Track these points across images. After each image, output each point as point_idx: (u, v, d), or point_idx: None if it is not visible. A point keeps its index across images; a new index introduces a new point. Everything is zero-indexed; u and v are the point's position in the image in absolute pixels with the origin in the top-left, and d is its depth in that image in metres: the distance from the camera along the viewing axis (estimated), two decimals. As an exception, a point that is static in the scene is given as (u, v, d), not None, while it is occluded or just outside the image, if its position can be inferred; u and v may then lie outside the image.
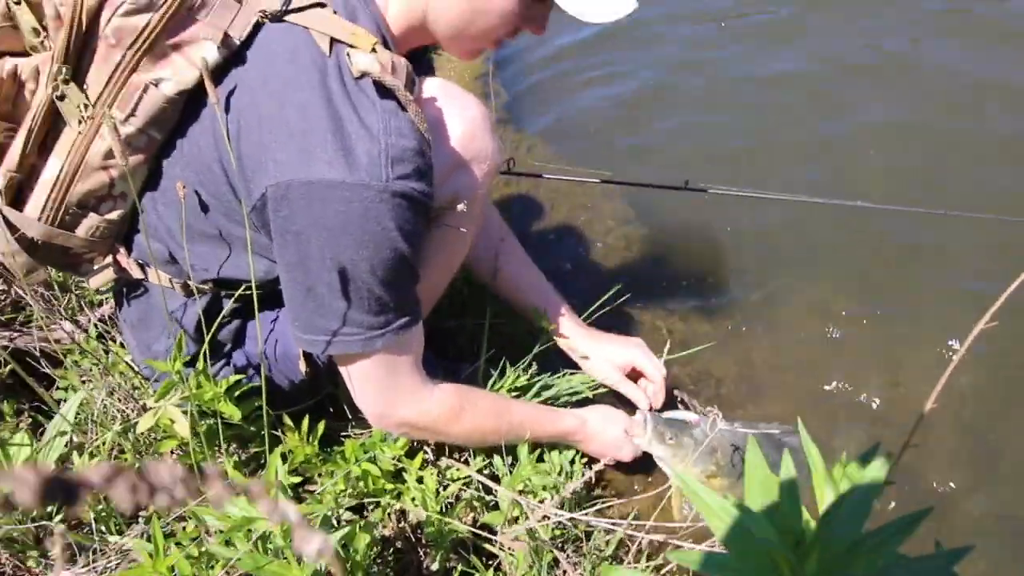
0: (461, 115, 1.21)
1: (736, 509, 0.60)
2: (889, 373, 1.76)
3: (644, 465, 1.54)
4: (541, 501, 1.30)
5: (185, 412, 1.15)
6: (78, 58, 1.03)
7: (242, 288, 1.19)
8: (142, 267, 1.23)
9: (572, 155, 2.47)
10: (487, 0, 1.11)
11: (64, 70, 1.02)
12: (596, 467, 1.36)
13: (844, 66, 2.71)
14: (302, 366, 1.25)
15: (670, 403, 1.65)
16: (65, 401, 1.34)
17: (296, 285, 1.08)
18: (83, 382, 1.42)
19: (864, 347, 1.83)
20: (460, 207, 1.25)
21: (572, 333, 1.59)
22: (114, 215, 1.15)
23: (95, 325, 1.50)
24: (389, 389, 1.21)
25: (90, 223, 1.14)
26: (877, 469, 0.45)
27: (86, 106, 1.04)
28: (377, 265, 1.04)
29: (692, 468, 1.44)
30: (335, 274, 1.04)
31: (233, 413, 1.22)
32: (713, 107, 2.64)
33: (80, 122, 1.05)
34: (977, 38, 2.76)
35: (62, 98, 1.04)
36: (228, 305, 1.19)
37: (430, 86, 1.22)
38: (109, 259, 1.22)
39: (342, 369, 1.21)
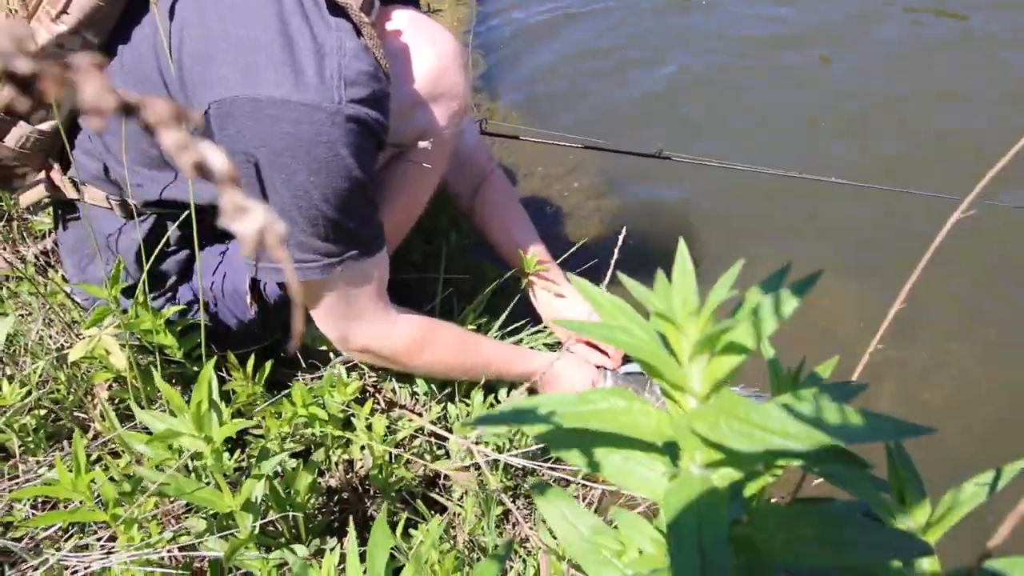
0: (433, 48, 1.16)
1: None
2: (860, 345, 1.74)
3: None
4: (496, 448, 1.26)
5: (123, 344, 1.09)
6: None
7: (185, 214, 1.13)
8: (76, 186, 1.16)
9: (547, 126, 2.44)
10: None
11: None
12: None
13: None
14: (249, 301, 1.20)
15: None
16: (-2, 326, 1.27)
17: None
18: (17, 312, 1.35)
19: (840, 318, 1.81)
20: (423, 144, 1.20)
21: (550, 275, 1.56)
22: (46, 126, 1.08)
23: (36, 256, 1.43)
24: (350, 317, 1.18)
25: (20, 132, 1.07)
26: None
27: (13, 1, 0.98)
28: (331, 193, 1.00)
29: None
30: (286, 199, 0.99)
31: (172, 346, 1.16)
32: (694, 79, 2.62)
33: (8, 15, 0.98)
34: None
35: None
36: (171, 230, 1.13)
37: (400, 16, 1.16)
38: (42, 175, 1.15)
39: (306, 300, 1.17)
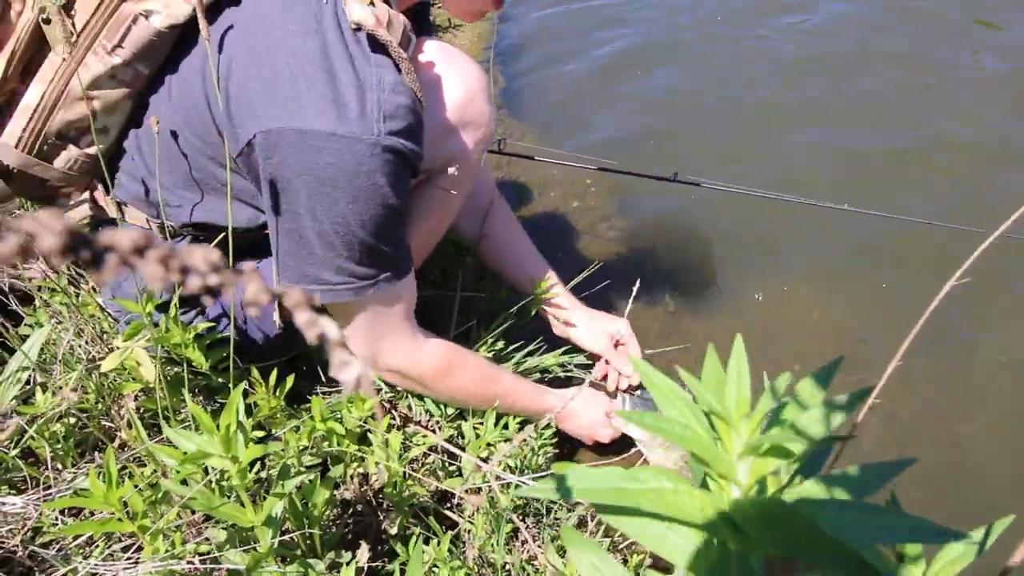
0: (460, 78, 1.21)
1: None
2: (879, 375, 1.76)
3: (617, 444, 1.54)
4: (505, 469, 1.30)
5: (152, 356, 1.13)
6: None
7: (220, 236, 1.17)
8: (119, 206, 1.21)
9: (565, 147, 2.47)
10: None
11: None
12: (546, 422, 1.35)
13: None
14: (276, 319, 1.24)
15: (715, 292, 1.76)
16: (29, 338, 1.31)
17: (285, 234, 1.07)
18: (52, 320, 1.40)
19: (854, 344, 1.83)
20: (452, 171, 1.25)
21: (561, 302, 1.59)
22: (93, 149, 1.13)
23: (68, 266, 1.48)
24: (380, 337, 1.22)
25: (69, 155, 1.12)
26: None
27: (72, 33, 1.03)
28: (368, 220, 1.04)
29: (670, 452, 1.45)
30: (325, 225, 1.04)
31: (200, 360, 1.20)
32: (715, 107, 2.65)
33: (66, 50, 1.03)
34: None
35: (48, 22, 1.02)
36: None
37: (430, 47, 1.21)
38: (86, 195, 1.20)
39: (335, 319, 1.20)
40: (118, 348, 1.11)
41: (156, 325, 1.10)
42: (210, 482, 1.01)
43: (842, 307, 1.92)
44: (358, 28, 1.02)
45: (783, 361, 1.81)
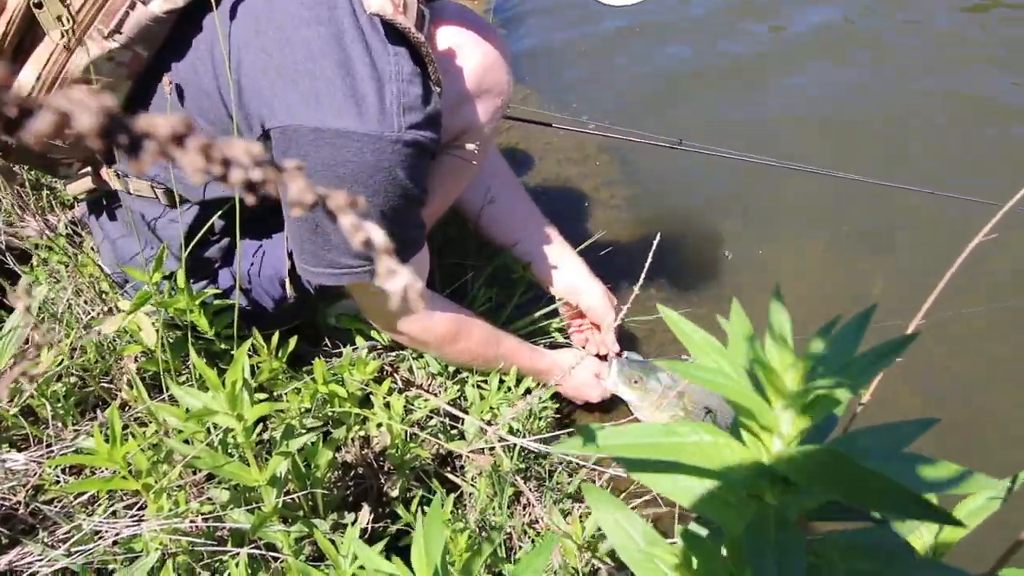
0: (478, 45, 1.19)
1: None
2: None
3: (605, 404, 1.55)
4: (510, 431, 1.30)
5: (154, 321, 1.12)
6: None
7: (228, 204, 1.15)
8: (121, 178, 1.19)
9: (566, 108, 2.45)
10: None
11: None
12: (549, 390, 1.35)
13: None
14: (289, 289, 1.24)
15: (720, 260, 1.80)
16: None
17: (302, 222, 1.07)
18: (50, 279, 1.38)
19: (849, 299, 1.83)
20: (470, 147, 1.23)
21: (563, 262, 1.59)
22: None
23: (66, 225, 1.46)
24: (394, 308, 1.24)
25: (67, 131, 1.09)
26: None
27: (62, 17, 0.99)
28: (387, 210, 1.04)
29: (659, 412, 1.46)
30: None
31: (204, 325, 1.19)
32: (718, 74, 2.62)
33: (62, 35, 0.99)
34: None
35: (39, 6, 0.98)
36: (213, 219, 1.16)
37: (449, 15, 1.18)
38: (88, 168, 1.18)
39: (351, 292, 1.24)
40: (120, 311, 1.10)
41: (161, 293, 1.08)
42: (213, 442, 1.01)
43: (849, 271, 1.92)
44: (374, 16, 0.99)
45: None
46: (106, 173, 1.18)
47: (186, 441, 1.00)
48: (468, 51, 1.17)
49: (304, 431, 1.25)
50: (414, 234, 1.16)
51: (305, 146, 0.98)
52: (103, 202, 1.25)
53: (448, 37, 1.17)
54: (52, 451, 1.01)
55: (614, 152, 2.27)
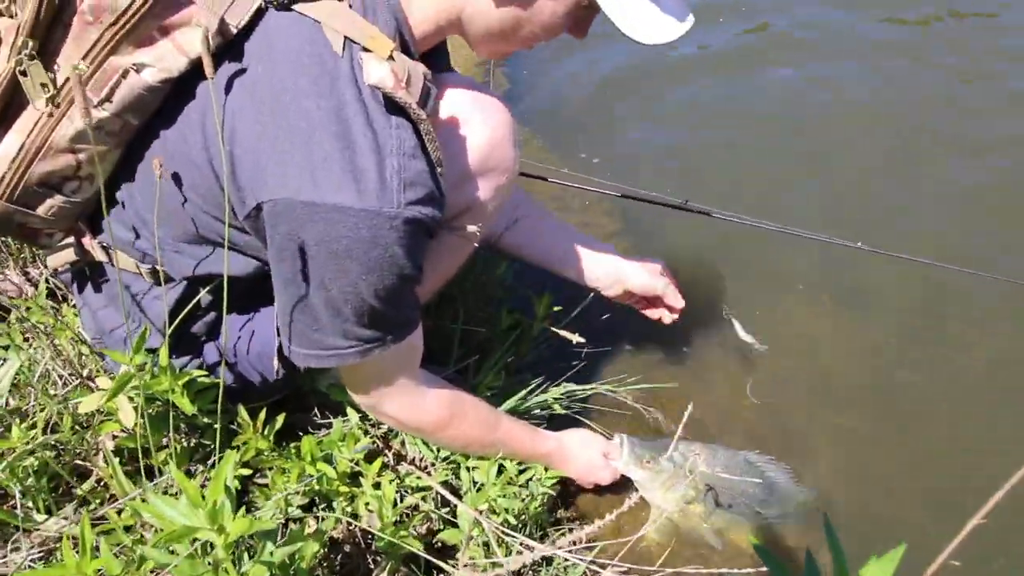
0: (484, 122, 1.13)
1: None
2: (879, 409, 1.73)
3: (615, 487, 1.49)
4: (504, 523, 1.24)
5: (132, 400, 1.06)
6: (48, 31, 0.92)
7: (216, 281, 1.10)
8: (106, 250, 1.13)
9: (567, 155, 2.41)
10: (537, 11, 1.04)
11: (30, 44, 0.91)
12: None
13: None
14: (276, 365, 1.18)
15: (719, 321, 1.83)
16: (5, 361, 1.24)
17: (291, 299, 1.01)
18: (26, 340, 1.32)
19: (857, 382, 1.79)
20: (472, 228, 1.20)
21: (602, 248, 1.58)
22: (78, 197, 1.05)
23: (46, 280, 1.40)
24: (382, 388, 1.18)
25: (52, 203, 1.04)
26: None
27: (48, 86, 0.94)
28: (380, 289, 0.98)
29: (670, 493, 1.42)
30: (335, 293, 0.97)
31: (185, 406, 1.13)
32: (724, 120, 2.58)
33: (47, 104, 0.94)
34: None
35: (24, 74, 0.93)
36: (201, 294, 1.10)
37: (454, 90, 1.13)
38: (71, 239, 1.12)
39: (338, 369, 1.17)
40: (98, 388, 1.04)
41: (141, 369, 1.02)
42: (193, 546, 0.95)
43: (852, 341, 1.88)
44: (376, 89, 0.94)
45: (791, 398, 1.76)
46: (90, 244, 1.13)
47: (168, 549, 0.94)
48: (474, 127, 1.12)
49: (288, 520, 1.21)
50: (408, 314, 1.10)
51: (298, 221, 0.92)
52: (86, 272, 1.19)
53: (453, 109, 1.12)
54: (18, 545, 0.95)
55: (616, 203, 2.22)
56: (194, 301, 1.09)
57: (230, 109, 0.94)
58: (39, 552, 0.96)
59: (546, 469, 1.38)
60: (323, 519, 1.22)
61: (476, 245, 1.27)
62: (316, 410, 1.38)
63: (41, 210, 1.04)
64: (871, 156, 2.42)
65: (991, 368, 1.80)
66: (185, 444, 1.25)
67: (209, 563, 0.89)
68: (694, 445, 1.50)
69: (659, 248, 2.11)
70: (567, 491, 1.49)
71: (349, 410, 1.36)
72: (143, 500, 0.97)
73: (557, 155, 2.42)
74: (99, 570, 0.87)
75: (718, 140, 2.51)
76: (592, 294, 1.64)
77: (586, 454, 1.43)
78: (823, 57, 2.83)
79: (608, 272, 1.57)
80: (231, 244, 1.05)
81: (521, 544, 1.13)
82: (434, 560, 1.16)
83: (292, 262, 0.95)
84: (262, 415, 1.22)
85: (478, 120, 1.12)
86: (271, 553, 0.90)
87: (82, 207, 1.07)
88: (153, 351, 1.10)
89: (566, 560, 1.29)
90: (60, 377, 1.27)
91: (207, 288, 1.10)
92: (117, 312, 1.18)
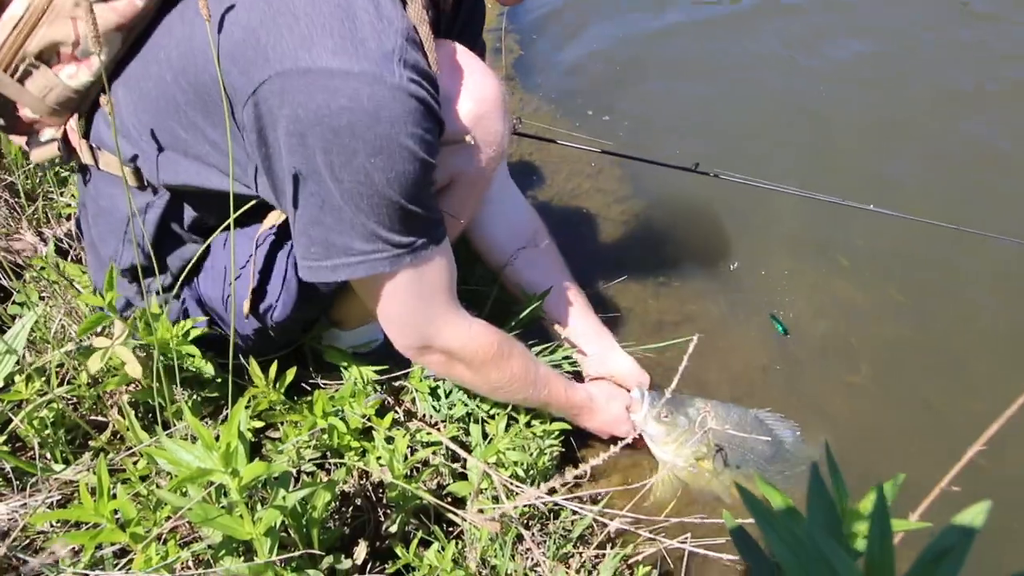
0: (472, 91, 1.10)
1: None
2: (883, 363, 1.73)
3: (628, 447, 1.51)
4: (513, 476, 1.25)
5: (140, 354, 1.08)
6: None
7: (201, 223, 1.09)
8: (93, 150, 1.10)
9: (579, 120, 2.39)
10: None
11: None
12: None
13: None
14: (246, 308, 1.14)
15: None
16: (20, 316, 1.25)
17: (307, 200, 0.96)
18: (42, 298, 1.34)
19: (865, 342, 1.79)
20: (468, 138, 1.11)
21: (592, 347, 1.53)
22: (74, 83, 1.02)
23: (57, 239, 1.41)
24: (428, 316, 1.12)
25: (46, 82, 1.01)
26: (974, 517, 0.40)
27: None
28: (394, 177, 0.93)
29: (682, 449, 1.44)
30: (348, 186, 0.93)
31: (202, 367, 1.14)
32: (733, 83, 2.56)
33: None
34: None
35: None
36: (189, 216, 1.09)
37: (445, 52, 1.09)
38: (58, 132, 1.09)
39: (371, 302, 1.11)
40: (98, 346, 1.05)
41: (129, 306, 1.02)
42: (207, 490, 0.96)
43: (855, 297, 1.87)
44: None
45: (797, 346, 1.76)
46: (76, 141, 1.10)
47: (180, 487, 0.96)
48: (462, 94, 1.09)
49: (299, 472, 1.22)
50: (435, 217, 1.05)
51: (295, 95, 0.88)
52: (83, 183, 1.18)
53: (442, 79, 1.07)
54: (38, 489, 0.97)
55: (627, 166, 2.21)
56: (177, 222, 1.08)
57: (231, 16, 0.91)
58: (58, 496, 0.98)
59: (551, 422, 1.38)
60: (335, 470, 1.24)
61: (459, 218, 1.22)
62: (326, 368, 1.39)
63: (34, 87, 1.02)
64: (872, 116, 2.40)
65: (1000, 325, 1.80)
66: (196, 399, 1.27)
67: (223, 507, 0.91)
68: (708, 403, 1.51)
69: (668, 209, 2.11)
70: (577, 447, 1.51)
71: (362, 369, 1.36)
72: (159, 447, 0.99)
73: (568, 119, 2.41)
74: (116, 513, 0.90)
75: (726, 101, 2.49)
76: (605, 257, 1.65)
77: (613, 407, 1.43)
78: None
79: (598, 360, 1.54)
80: (217, 159, 1.02)
81: (532, 495, 1.14)
82: (444, 506, 1.17)
83: (300, 152, 0.91)
84: (273, 369, 1.23)
85: (466, 88, 1.09)
86: (283, 498, 0.92)
87: (76, 102, 1.05)
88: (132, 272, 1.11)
89: (574, 513, 1.31)
90: (75, 332, 1.29)
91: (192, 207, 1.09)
92: (106, 229, 1.16)
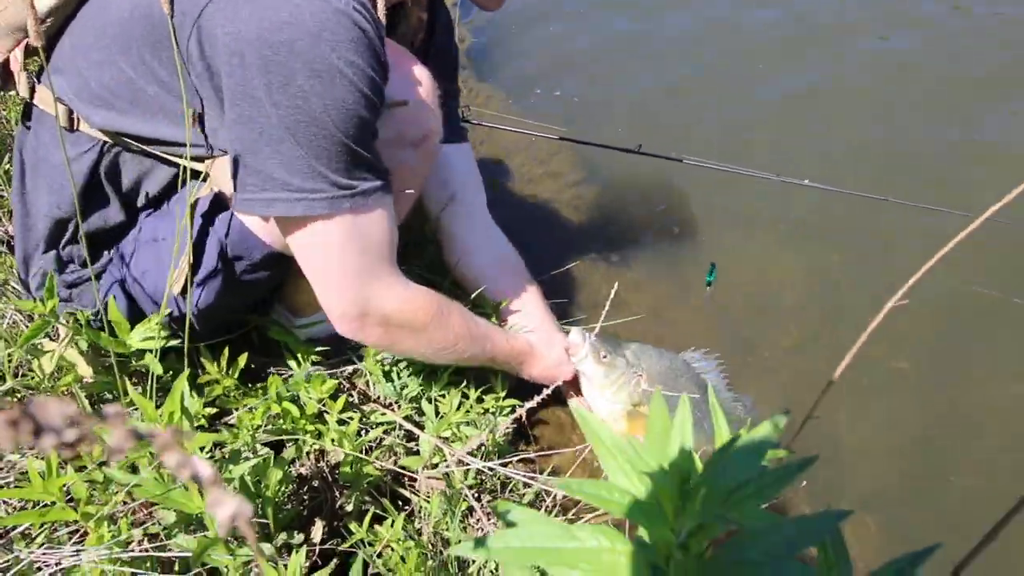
0: (405, 86, 1.12)
1: (629, 446, 0.59)
2: (828, 338, 1.79)
3: (572, 424, 1.55)
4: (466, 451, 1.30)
5: (83, 353, 1.10)
6: None
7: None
8: (31, 84, 1.09)
9: (529, 108, 2.44)
10: None
11: None
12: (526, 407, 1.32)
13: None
14: (176, 288, 1.12)
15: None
16: (-29, 313, 1.27)
17: (245, 125, 0.94)
18: (-6, 294, 1.35)
19: (806, 313, 1.85)
20: (410, 103, 1.12)
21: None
22: (38, 5, 1.01)
23: (10, 236, 1.42)
24: (369, 274, 1.08)
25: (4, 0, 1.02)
26: (773, 427, 0.45)
27: None
28: (332, 105, 0.93)
29: (620, 393, 1.43)
30: (285, 111, 0.92)
31: (155, 366, 1.16)
32: (680, 68, 2.62)
33: None
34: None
35: None
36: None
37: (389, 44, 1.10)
38: (1, 58, 1.09)
39: (306, 255, 1.07)
40: (47, 350, 1.07)
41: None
42: (158, 467, 0.99)
43: (797, 282, 1.94)
44: None
45: (736, 332, 1.82)
46: (17, 68, 1.09)
47: (131, 466, 0.98)
48: (393, 90, 1.08)
49: (254, 453, 1.25)
50: (378, 165, 1.03)
51: (240, 11, 0.89)
52: (23, 158, 1.18)
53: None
54: (-9, 478, 0.99)
55: (577, 151, 2.26)
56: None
57: None
58: (12, 478, 1.00)
59: (503, 399, 1.42)
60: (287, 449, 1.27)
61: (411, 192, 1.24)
62: (279, 351, 1.42)
63: None
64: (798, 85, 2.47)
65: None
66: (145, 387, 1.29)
67: (174, 482, 0.94)
68: (642, 346, 1.50)
69: (619, 193, 2.16)
70: (529, 426, 1.55)
71: (303, 348, 1.38)
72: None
73: (517, 108, 2.45)
74: (65, 489, 0.92)
75: (667, 84, 2.55)
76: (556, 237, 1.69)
77: (553, 351, 1.44)
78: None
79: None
80: (166, 100, 1.01)
81: (479, 464, 1.18)
82: (396, 469, 1.20)
83: (240, 72, 0.91)
84: (225, 353, 1.26)
85: (397, 84, 1.09)
86: (230, 470, 0.95)
87: (23, 29, 1.05)
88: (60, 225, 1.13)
89: (526, 486, 1.35)
90: (26, 328, 1.31)
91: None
92: (43, 184, 1.14)
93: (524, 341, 1.43)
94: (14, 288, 1.40)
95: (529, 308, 1.52)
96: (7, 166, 1.60)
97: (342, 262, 1.06)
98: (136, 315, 1.19)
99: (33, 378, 1.24)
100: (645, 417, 1.45)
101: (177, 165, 1.10)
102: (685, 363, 1.55)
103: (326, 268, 1.08)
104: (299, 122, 0.92)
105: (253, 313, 1.39)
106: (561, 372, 1.46)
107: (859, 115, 2.39)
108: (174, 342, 1.18)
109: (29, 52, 1.10)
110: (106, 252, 1.19)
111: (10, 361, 1.24)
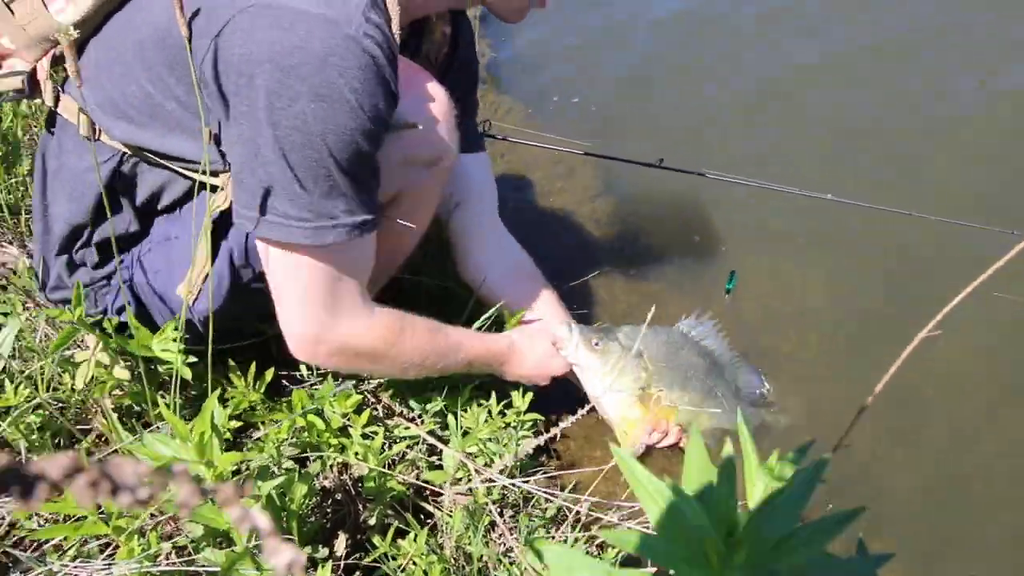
0: (419, 108, 1.12)
1: (671, 492, 0.59)
2: (855, 360, 1.78)
3: (595, 438, 1.55)
4: (487, 464, 1.30)
5: (119, 361, 1.12)
6: None
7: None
8: (57, 92, 1.12)
9: (550, 122, 2.44)
10: None
11: None
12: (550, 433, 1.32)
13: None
14: (180, 291, 1.13)
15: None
16: (3, 326, 1.30)
17: (244, 144, 0.96)
18: (25, 307, 1.38)
19: (832, 332, 1.84)
20: (420, 126, 1.12)
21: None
22: (61, 17, 1.03)
23: (28, 253, 1.45)
24: (330, 304, 1.08)
25: (32, 11, 1.03)
26: (816, 472, 0.45)
27: None
28: (331, 130, 0.93)
29: (623, 377, 1.37)
30: (284, 130, 0.92)
31: (184, 372, 1.18)
32: (702, 85, 2.62)
33: None
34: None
35: None
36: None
37: (401, 66, 1.09)
38: (27, 67, 1.10)
39: (276, 275, 1.08)
40: (81, 359, 1.09)
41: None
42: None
43: (819, 295, 1.93)
44: None
45: (760, 345, 1.81)
46: (43, 80, 1.10)
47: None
48: (409, 109, 1.10)
49: (280, 468, 1.26)
50: (372, 203, 1.02)
51: (250, 31, 0.91)
52: (46, 163, 1.20)
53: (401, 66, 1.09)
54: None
55: (598, 165, 2.26)
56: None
57: None
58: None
59: (524, 412, 1.42)
60: (311, 463, 1.28)
61: (412, 227, 1.24)
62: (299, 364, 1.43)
63: (20, 14, 1.03)
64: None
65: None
66: (179, 400, 1.31)
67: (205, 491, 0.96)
68: (636, 326, 1.44)
69: (640, 207, 2.16)
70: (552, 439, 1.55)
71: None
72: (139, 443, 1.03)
73: (538, 121, 2.46)
74: (99, 508, 0.94)
75: (690, 96, 2.55)
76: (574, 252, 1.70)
77: (536, 346, 1.41)
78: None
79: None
80: (182, 116, 1.03)
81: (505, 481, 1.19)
82: (420, 483, 1.21)
83: (244, 96, 0.92)
84: (252, 368, 1.28)
85: (413, 103, 1.11)
86: (259, 487, 0.96)
87: (52, 43, 1.06)
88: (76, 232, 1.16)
89: (547, 501, 1.36)
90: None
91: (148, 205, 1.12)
92: (61, 189, 1.17)
93: (504, 340, 1.39)
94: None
95: (547, 313, 1.52)
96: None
97: (310, 291, 1.07)
98: (143, 317, 1.20)
99: (63, 391, 1.26)
100: (658, 398, 1.40)
101: (193, 179, 1.12)
102: (682, 334, 1.50)
103: (293, 292, 1.09)
104: (295, 144, 0.93)
105: (264, 323, 1.40)
106: (551, 367, 1.42)
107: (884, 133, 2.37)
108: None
109: (55, 61, 1.13)
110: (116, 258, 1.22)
111: (42, 373, 1.27)
